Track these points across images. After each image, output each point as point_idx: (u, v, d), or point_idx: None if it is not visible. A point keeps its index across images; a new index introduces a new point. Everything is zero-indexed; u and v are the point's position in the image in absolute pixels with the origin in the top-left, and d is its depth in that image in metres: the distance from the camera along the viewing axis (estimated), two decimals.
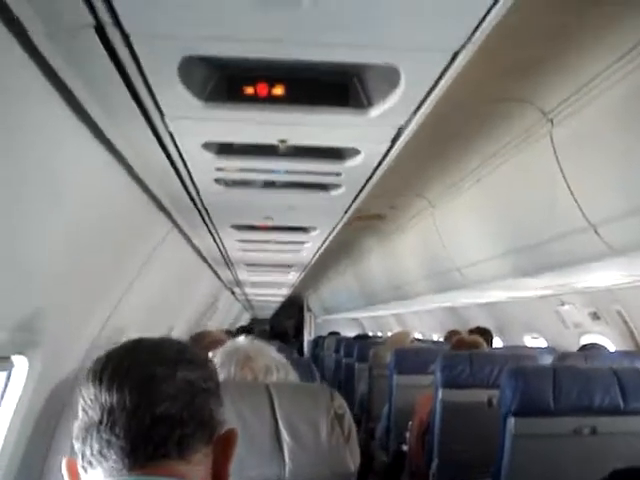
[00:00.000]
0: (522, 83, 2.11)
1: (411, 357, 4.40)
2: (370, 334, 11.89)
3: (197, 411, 0.87)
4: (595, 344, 3.90)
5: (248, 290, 8.37)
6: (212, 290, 6.54)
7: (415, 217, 4.24)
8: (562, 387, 2.40)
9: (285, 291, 8.82)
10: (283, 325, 15.59)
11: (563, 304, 4.42)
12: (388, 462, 4.32)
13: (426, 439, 3.52)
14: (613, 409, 2.39)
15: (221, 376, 1.54)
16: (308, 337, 15.10)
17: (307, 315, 15.58)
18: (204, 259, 4.76)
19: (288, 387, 1.49)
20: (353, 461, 1.35)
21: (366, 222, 5.10)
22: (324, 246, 4.22)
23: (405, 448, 3.88)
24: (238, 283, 7.06)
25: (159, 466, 0.83)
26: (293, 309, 15.27)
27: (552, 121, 2.17)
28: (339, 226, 3.44)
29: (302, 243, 4.01)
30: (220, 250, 4.27)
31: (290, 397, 1.40)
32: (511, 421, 2.40)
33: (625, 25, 1.68)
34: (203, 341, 2.61)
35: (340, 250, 6.87)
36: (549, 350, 4.47)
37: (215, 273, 5.77)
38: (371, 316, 12.14)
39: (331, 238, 3.90)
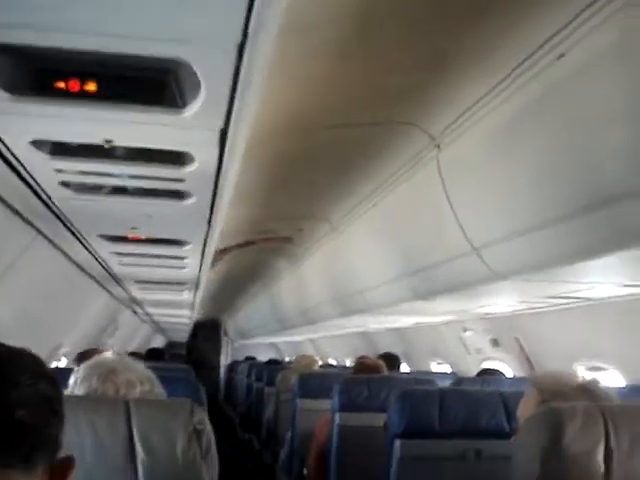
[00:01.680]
0: (410, 107, 2.14)
1: (315, 381, 4.38)
2: (287, 359, 11.86)
3: (50, 427, 0.85)
4: (492, 369, 3.96)
5: (150, 310, 8.17)
6: (107, 308, 6.38)
7: (320, 240, 4.25)
8: (449, 410, 2.41)
9: (187, 312, 8.63)
10: (200, 349, 15.33)
11: (465, 330, 4.50)
12: None
13: (325, 462, 3.51)
14: (499, 432, 2.41)
15: (82, 390, 1.51)
16: (224, 362, 14.91)
17: (224, 340, 15.40)
18: (89, 274, 4.63)
19: (148, 402, 1.47)
20: (210, 476, 1.35)
21: (275, 244, 5.10)
22: (206, 262, 4.15)
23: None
24: (135, 301, 6.90)
25: (2, 473, 0.79)
26: (212, 333, 15.07)
27: (439, 146, 2.20)
28: (212, 241, 3.38)
29: (181, 259, 3.95)
30: (100, 264, 4.16)
31: (148, 412, 1.39)
32: (397, 443, 2.39)
33: (502, 51, 1.72)
34: (89, 358, 2.53)
35: (252, 272, 6.84)
36: (450, 375, 4.52)
37: (106, 290, 5.64)
38: (288, 341, 12.10)
39: (211, 255, 3.85)
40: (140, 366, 1.60)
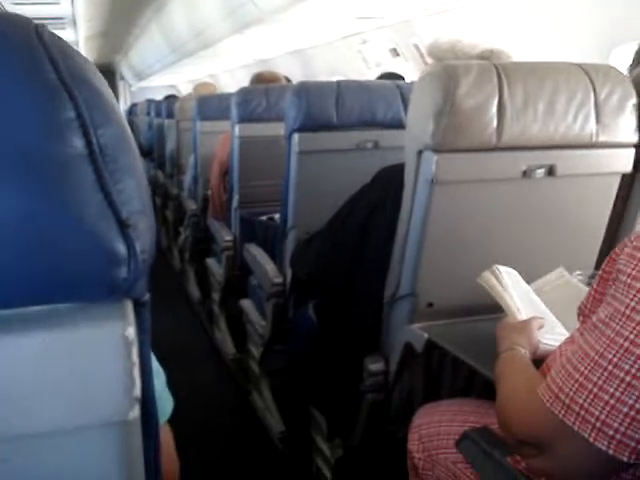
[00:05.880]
0: None
1: (214, 103, 4.26)
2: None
3: None
4: (394, 73, 3.86)
5: None
6: None
7: None
8: (345, 102, 2.36)
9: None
10: None
11: (364, 42, 4.36)
12: (198, 207, 4.33)
13: (227, 179, 3.50)
14: (395, 123, 2.40)
15: None
16: (123, 106, 14.48)
17: (120, 83, 14.81)
18: None
19: None
20: None
21: None
22: None
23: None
24: None
25: None
26: (106, 78, 14.37)
27: None
28: None
29: None
30: None
31: None
32: (295, 137, 2.36)
33: None
34: None
35: (140, 2, 6.34)
36: None
37: None
38: (188, 80, 11.72)
39: None
40: None
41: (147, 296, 0.49)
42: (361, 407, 1.89)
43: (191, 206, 4.48)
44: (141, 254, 0.44)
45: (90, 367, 0.46)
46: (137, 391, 0.47)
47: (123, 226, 0.43)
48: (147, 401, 0.52)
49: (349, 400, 1.93)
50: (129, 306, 0.47)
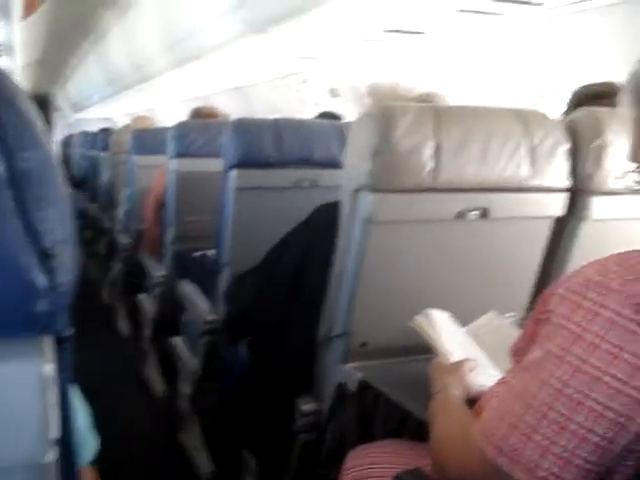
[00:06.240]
0: None
1: (151, 137, 4.23)
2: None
3: None
4: (332, 112, 3.89)
5: None
6: None
7: None
8: (284, 140, 2.37)
9: None
10: None
11: (304, 81, 4.40)
12: (131, 241, 4.25)
13: (162, 213, 3.46)
14: (333, 163, 2.41)
15: None
16: (59, 137, 14.20)
17: (55, 115, 14.55)
18: None
19: None
20: None
21: None
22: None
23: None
24: None
25: None
26: (40, 108, 14.10)
27: None
28: None
29: None
30: None
31: None
32: (233, 173, 2.35)
33: None
34: None
35: (78, 32, 6.28)
36: None
37: None
38: (126, 113, 11.60)
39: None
40: None
41: (70, 331, 0.46)
42: (293, 448, 1.85)
43: (124, 240, 4.41)
44: (63, 286, 0.42)
45: (2, 407, 0.42)
46: (54, 432, 0.44)
47: (44, 256, 0.41)
48: (66, 443, 0.49)
49: (281, 441, 1.89)
50: (48, 342, 0.44)
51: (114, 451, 1.50)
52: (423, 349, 1.47)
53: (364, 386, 1.62)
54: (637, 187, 1.60)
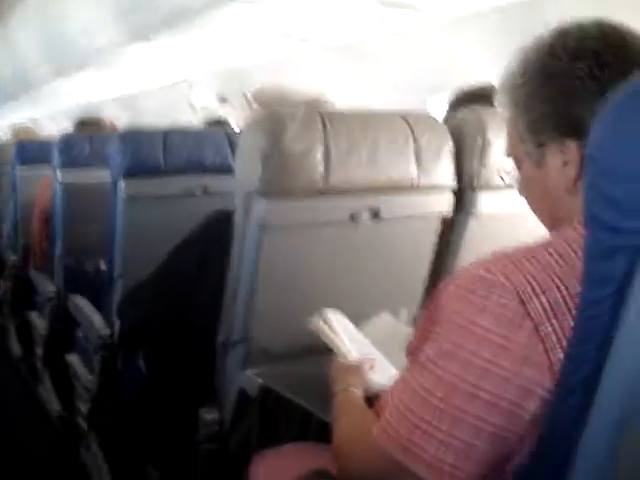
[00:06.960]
0: None
1: (35, 148, 4.08)
2: None
3: None
4: (220, 120, 3.87)
5: None
6: None
7: None
8: (172, 147, 2.34)
9: None
10: None
11: (192, 87, 4.36)
12: (18, 257, 4.08)
13: (49, 226, 3.34)
14: (224, 169, 2.40)
15: None
16: None
17: None
18: None
19: None
20: None
21: None
22: None
23: None
24: None
25: None
26: None
27: None
28: None
29: None
30: None
31: None
32: (121, 183, 2.30)
33: None
34: None
35: None
36: None
37: None
38: (8, 125, 11.13)
39: None
40: None
41: None
42: (197, 459, 1.83)
43: (11, 256, 4.23)
44: None
45: None
46: None
47: None
48: None
49: (184, 453, 1.86)
50: None
51: (11, 476, 1.44)
52: (323, 350, 1.49)
53: (265, 390, 1.62)
54: (508, 181, 1.68)
